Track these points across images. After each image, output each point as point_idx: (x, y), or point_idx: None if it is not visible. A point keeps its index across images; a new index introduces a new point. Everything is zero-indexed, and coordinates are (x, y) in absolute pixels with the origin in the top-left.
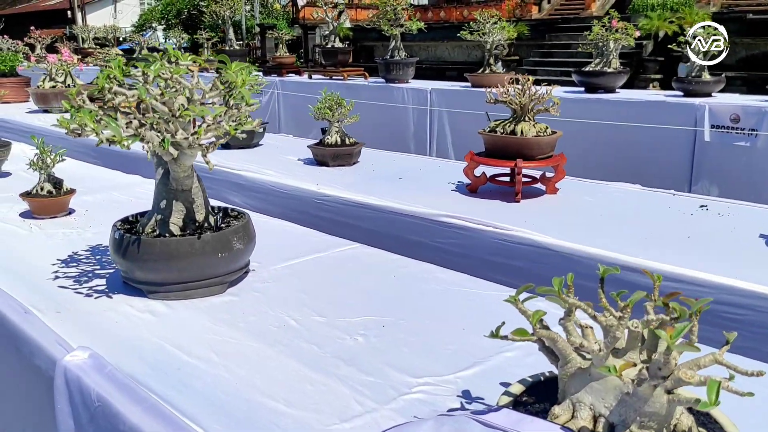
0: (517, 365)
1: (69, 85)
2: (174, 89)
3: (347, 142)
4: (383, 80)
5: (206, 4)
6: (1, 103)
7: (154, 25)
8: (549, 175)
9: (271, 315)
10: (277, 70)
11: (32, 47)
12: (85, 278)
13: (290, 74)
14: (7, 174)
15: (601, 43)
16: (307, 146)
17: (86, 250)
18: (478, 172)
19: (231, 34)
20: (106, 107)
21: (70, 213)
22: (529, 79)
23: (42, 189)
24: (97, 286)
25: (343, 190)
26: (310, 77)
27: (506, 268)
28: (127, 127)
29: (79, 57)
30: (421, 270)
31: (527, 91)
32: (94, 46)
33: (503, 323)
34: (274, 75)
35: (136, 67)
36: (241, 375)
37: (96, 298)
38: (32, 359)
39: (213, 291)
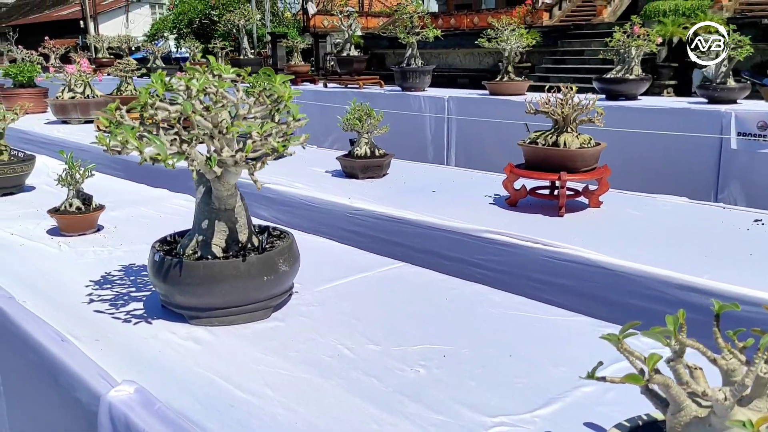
0: (597, 402)
1: (88, 95)
2: (221, 104)
3: (377, 153)
4: (399, 88)
5: (218, 14)
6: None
7: (165, 34)
8: (592, 187)
9: (322, 342)
10: (291, 79)
11: (46, 57)
12: (122, 302)
13: (305, 83)
14: (30, 188)
15: (622, 50)
16: (336, 158)
17: (119, 271)
18: (517, 184)
19: (245, 43)
20: (146, 123)
21: (98, 230)
22: (572, 89)
23: (71, 205)
24: (135, 310)
25: (376, 203)
26: (325, 86)
27: (553, 286)
28: (171, 145)
29: (94, 67)
30: (473, 292)
31: (570, 101)
32: (108, 55)
33: (600, 363)
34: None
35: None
36: (300, 413)
37: (135, 324)
38: (72, 392)
39: (257, 316)
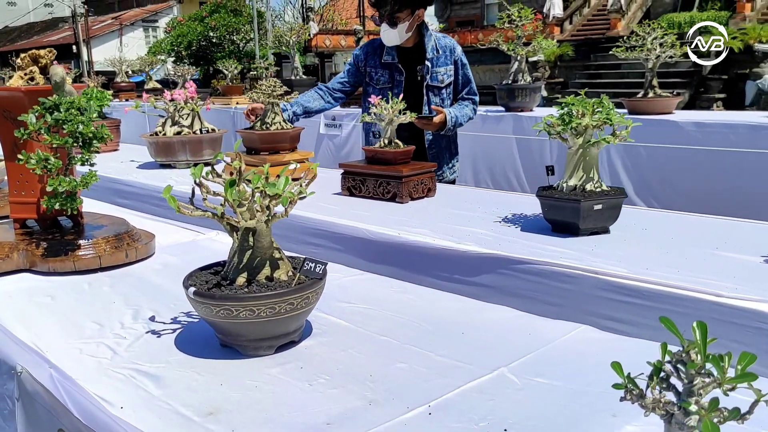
0: None
1: (198, 130)
2: None
3: None
4: (503, 108)
5: (217, 36)
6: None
7: (162, 57)
8: None
9: None
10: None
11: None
12: None
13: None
14: None
15: None
16: None
17: None
18: None
19: (297, 62)
20: None
21: None
22: None
23: None
24: None
25: None
26: None
27: None
28: None
29: (112, 92)
30: None
31: None
32: (127, 79)
33: None
34: (354, 106)
35: None
36: None
37: None
38: None
39: None
